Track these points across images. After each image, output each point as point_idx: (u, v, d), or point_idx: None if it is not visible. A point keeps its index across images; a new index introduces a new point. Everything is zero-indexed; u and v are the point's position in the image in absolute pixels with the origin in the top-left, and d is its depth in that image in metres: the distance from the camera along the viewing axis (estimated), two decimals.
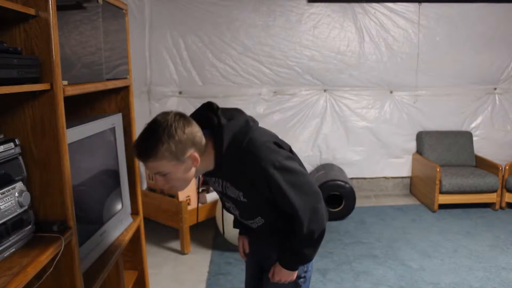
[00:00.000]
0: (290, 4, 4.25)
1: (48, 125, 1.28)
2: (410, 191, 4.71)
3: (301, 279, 1.54)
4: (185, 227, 3.20)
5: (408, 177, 4.69)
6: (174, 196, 3.27)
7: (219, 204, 3.26)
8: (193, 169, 1.30)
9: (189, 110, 4.46)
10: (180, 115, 1.26)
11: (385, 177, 4.68)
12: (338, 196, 3.90)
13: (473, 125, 4.60)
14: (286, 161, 1.31)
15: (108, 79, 1.73)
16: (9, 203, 1.18)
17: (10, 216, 1.19)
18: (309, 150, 4.51)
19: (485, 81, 4.52)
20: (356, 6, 4.27)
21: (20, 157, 1.27)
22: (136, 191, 2.12)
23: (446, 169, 4.19)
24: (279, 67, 4.34)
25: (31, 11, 1.20)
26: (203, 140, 1.29)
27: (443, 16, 4.34)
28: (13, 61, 1.13)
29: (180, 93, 4.31)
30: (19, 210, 1.22)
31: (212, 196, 3.45)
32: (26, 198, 1.24)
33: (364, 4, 4.28)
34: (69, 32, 1.42)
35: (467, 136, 4.51)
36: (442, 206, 4.10)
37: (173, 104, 4.31)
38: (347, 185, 3.88)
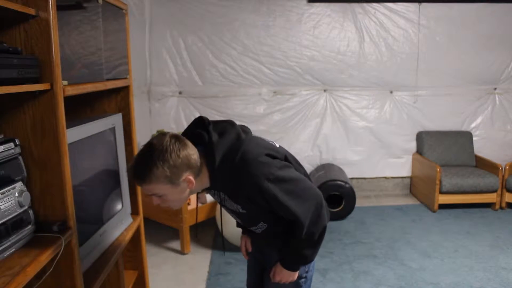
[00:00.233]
0: (290, 4, 4.25)
1: (48, 125, 1.28)
2: (410, 191, 4.71)
3: (302, 279, 1.54)
4: (185, 227, 3.21)
5: (408, 177, 4.70)
6: None
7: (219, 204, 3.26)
8: (188, 190, 1.31)
9: (189, 110, 4.46)
10: (176, 138, 1.26)
11: (385, 177, 4.68)
12: (338, 196, 3.90)
13: (473, 125, 4.60)
14: (280, 171, 1.30)
15: (108, 79, 1.73)
16: (9, 203, 1.18)
17: (10, 216, 1.19)
18: (309, 150, 4.51)
19: (485, 81, 4.52)
20: (356, 6, 4.27)
21: (20, 157, 1.27)
22: (136, 191, 2.12)
23: (446, 169, 4.19)
24: (279, 67, 4.34)
25: (31, 11, 1.20)
26: (199, 162, 1.28)
27: (443, 16, 4.34)
28: (13, 61, 1.13)
29: (180, 93, 4.31)
30: (19, 210, 1.22)
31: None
32: (26, 198, 1.24)
33: (364, 4, 4.28)
34: (69, 32, 1.42)
35: (467, 136, 4.51)
36: (442, 206, 4.10)
37: (173, 104, 4.32)
38: (347, 185, 3.88)
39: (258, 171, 1.26)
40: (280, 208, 1.32)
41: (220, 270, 3.00)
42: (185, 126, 4.56)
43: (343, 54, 4.37)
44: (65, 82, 1.32)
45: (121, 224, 1.96)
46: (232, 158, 1.28)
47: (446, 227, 3.71)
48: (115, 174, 1.92)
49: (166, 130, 4.20)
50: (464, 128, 4.60)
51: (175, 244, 3.41)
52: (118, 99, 2.01)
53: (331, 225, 3.76)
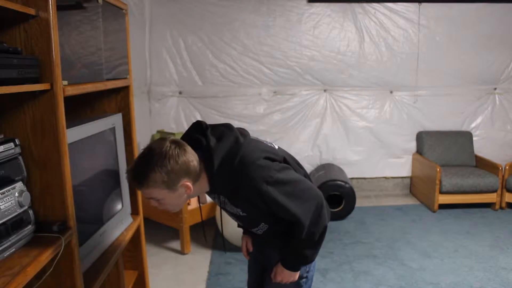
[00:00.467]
0: (290, 4, 4.25)
1: (48, 125, 1.28)
2: (410, 191, 4.71)
3: (303, 279, 1.54)
4: (185, 227, 3.21)
5: (408, 177, 4.70)
6: None
7: None
8: (186, 195, 1.31)
9: (189, 110, 4.47)
10: (176, 144, 1.26)
11: (385, 177, 4.68)
12: (338, 196, 3.90)
13: (473, 125, 4.60)
14: (279, 173, 1.30)
15: (108, 79, 1.73)
16: (9, 203, 1.18)
17: (10, 216, 1.19)
18: (309, 150, 4.51)
19: (485, 81, 4.52)
20: (356, 6, 4.27)
21: (20, 157, 1.27)
22: (136, 191, 2.12)
23: (446, 169, 4.19)
24: (279, 67, 4.34)
25: (31, 11, 1.20)
26: (198, 168, 1.29)
27: (443, 16, 4.34)
28: (13, 61, 1.13)
29: (180, 93, 4.31)
30: (19, 210, 1.22)
31: None
32: (26, 198, 1.24)
33: (364, 4, 4.28)
34: (69, 32, 1.42)
35: (467, 136, 4.51)
36: (442, 206, 4.10)
37: (173, 104, 4.32)
38: (347, 185, 3.88)
39: (257, 175, 1.27)
40: (280, 210, 1.33)
41: (220, 270, 3.00)
42: (185, 126, 4.58)
43: (343, 54, 4.37)
44: (65, 82, 1.32)
45: (121, 224, 1.96)
46: (230, 162, 1.28)
47: (446, 227, 3.71)
48: (115, 174, 1.92)
49: (166, 130, 4.21)
50: (464, 128, 4.60)
51: (175, 244, 3.41)
52: (118, 99, 2.01)
53: (331, 225, 3.76)
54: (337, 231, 3.66)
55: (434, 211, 4.07)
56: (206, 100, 4.34)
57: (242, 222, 1.53)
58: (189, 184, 1.27)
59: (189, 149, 1.28)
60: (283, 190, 1.29)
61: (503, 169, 4.05)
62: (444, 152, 4.44)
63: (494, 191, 4.06)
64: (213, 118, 4.31)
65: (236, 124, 4.34)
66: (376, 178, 4.67)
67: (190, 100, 4.33)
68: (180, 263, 3.14)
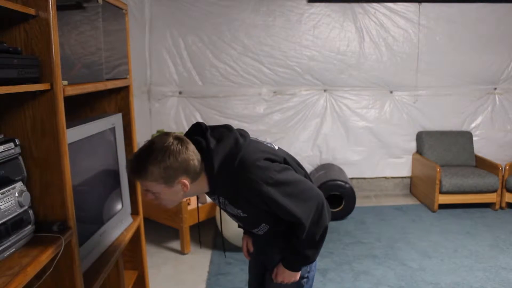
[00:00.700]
0: (290, 4, 4.25)
1: (48, 125, 1.28)
2: (410, 191, 4.71)
3: (304, 279, 1.54)
4: (185, 227, 3.21)
5: (408, 177, 4.70)
6: None
7: None
8: (182, 192, 1.31)
9: (189, 110, 4.46)
10: (179, 141, 1.26)
11: (385, 177, 4.68)
12: (338, 196, 3.90)
13: (473, 125, 4.60)
14: (279, 174, 1.30)
15: (108, 79, 1.73)
16: (9, 203, 1.18)
17: (10, 216, 1.19)
18: (309, 150, 4.51)
19: (485, 81, 4.52)
20: (356, 6, 4.27)
21: (20, 157, 1.27)
22: (136, 191, 2.12)
23: (446, 169, 4.19)
24: (279, 67, 4.34)
25: (31, 11, 1.20)
26: (198, 168, 1.28)
27: (443, 16, 4.34)
28: (13, 61, 1.13)
29: (180, 93, 4.31)
30: (19, 210, 1.22)
31: None
32: (26, 198, 1.24)
33: (364, 4, 4.28)
34: (69, 32, 1.42)
35: (467, 136, 4.51)
36: (442, 206, 4.10)
37: (173, 104, 4.32)
38: (347, 185, 3.88)
39: (257, 176, 1.27)
40: (281, 211, 1.33)
41: (220, 270, 3.00)
42: (185, 126, 4.58)
43: (343, 54, 4.37)
44: (65, 82, 1.32)
45: (121, 224, 1.96)
46: (231, 164, 1.28)
47: (446, 227, 3.71)
48: (115, 174, 1.92)
49: (166, 130, 4.20)
50: (464, 128, 4.60)
51: (175, 244, 3.41)
52: (118, 99, 2.01)
53: (331, 225, 3.74)
54: (337, 231, 3.66)
55: (434, 211, 4.07)
56: (206, 100, 4.34)
57: (243, 223, 1.53)
58: (186, 182, 1.27)
59: (191, 147, 1.28)
60: (284, 191, 1.29)
61: (503, 169, 4.05)
62: (444, 152, 4.44)
63: (494, 191, 4.06)
64: (213, 118, 4.31)
65: (236, 124, 4.35)
66: (376, 178, 4.67)
67: (190, 100, 4.33)
68: (180, 263, 3.14)
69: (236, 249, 3.17)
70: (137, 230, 2.13)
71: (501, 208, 4.13)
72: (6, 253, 1.18)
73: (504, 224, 3.78)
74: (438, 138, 4.49)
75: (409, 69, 4.43)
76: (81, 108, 1.97)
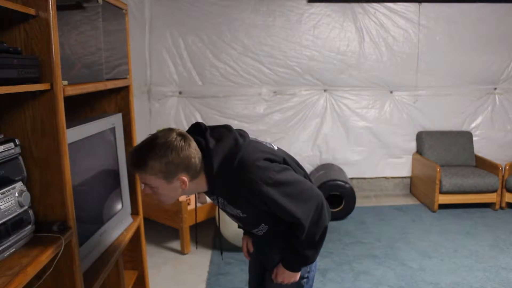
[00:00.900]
0: (290, 4, 4.25)
1: (48, 125, 1.28)
2: (410, 191, 4.71)
3: (304, 280, 1.54)
4: (185, 227, 3.21)
5: (408, 177, 4.70)
6: None
7: None
8: (181, 190, 1.31)
9: (189, 110, 4.45)
10: (182, 137, 1.26)
11: (385, 177, 4.68)
12: (338, 196, 3.90)
13: (473, 125, 4.60)
14: (279, 174, 1.30)
15: (108, 79, 1.73)
16: (9, 203, 1.18)
17: (10, 216, 1.19)
18: (309, 150, 4.51)
19: (485, 81, 4.52)
20: (356, 6, 4.27)
21: (20, 157, 1.27)
22: (136, 191, 2.12)
23: (446, 169, 4.19)
24: (279, 67, 4.34)
25: (31, 11, 1.20)
26: (198, 166, 1.28)
27: (443, 16, 4.34)
28: (13, 61, 1.13)
29: (180, 93, 4.31)
30: (19, 210, 1.22)
31: None
32: (26, 198, 1.24)
33: (364, 4, 4.28)
34: (69, 32, 1.42)
35: (467, 136, 4.51)
36: (442, 206, 4.10)
37: (173, 104, 4.31)
38: (347, 185, 3.88)
39: (257, 176, 1.26)
40: (280, 211, 1.32)
41: (220, 270, 3.00)
42: (185, 126, 4.58)
43: (343, 54, 4.37)
44: (65, 82, 1.32)
45: (121, 224, 1.96)
46: (230, 164, 1.28)
47: (446, 227, 3.71)
48: (115, 174, 1.92)
49: None
50: (464, 128, 4.60)
51: (175, 244, 3.41)
52: (118, 99, 2.01)
53: (331, 225, 3.75)
54: (337, 231, 3.66)
55: (434, 211, 4.07)
56: (206, 100, 4.34)
57: (242, 223, 1.53)
58: (186, 179, 1.27)
59: (194, 144, 1.28)
60: (283, 191, 1.29)
61: (503, 169, 4.05)
62: (444, 152, 4.44)
63: (494, 191, 4.05)
64: (213, 118, 4.31)
65: (236, 124, 4.35)
66: (376, 178, 4.67)
67: (190, 100, 4.33)
68: (180, 263, 3.14)
69: (236, 249, 3.17)
70: (137, 230, 2.13)
71: (501, 208, 4.13)
72: (6, 253, 1.18)
73: (504, 224, 3.78)
74: (438, 138, 4.49)
75: (409, 69, 4.43)
76: (81, 108, 1.97)
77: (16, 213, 1.21)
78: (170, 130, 1.28)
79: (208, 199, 3.43)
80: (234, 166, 1.28)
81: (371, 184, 4.69)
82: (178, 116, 4.33)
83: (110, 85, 1.77)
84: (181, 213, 3.16)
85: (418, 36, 4.36)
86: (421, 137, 4.52)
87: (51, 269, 1.28)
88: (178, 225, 3.23)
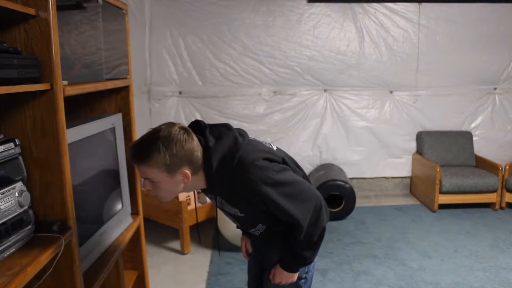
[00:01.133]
0: (290, 4, 4.25)
1: (48, 125, 1.28)
2: (410, 191, 4.71)
3: (302, 280, 1.54)
4: (185, 227, 3.21)
5: (408, 177, 4.70)
6: None
7: None
8: (183, 184, 1.30)
9: (189, 110, 4.46)
10: (185, 131, 1.25)
11: (385, 177, 4.68)
12: (338, 196, 3.90)
13: (473, 125, 4.60)
14: (278, 174, 1.29)
15: (108, 79, 1.73)
16: (9, 203, 1.18)
17: (10, 216, 1.19)
18: (309, 150, 4.51)
19: (485, 81, 4.52)
20: (356, 6, 4.27)
21: (20, 157, 1.27)
22: (136, 191, 2.12)
23: (446, 169, 4.19)
24: (279, 67, 4.34)
25: (31, 11, 1.20)
26: (200, 161, 1.28)
27: (443, 16, 4.34)
28: (13, 61, 1.13)
29: (180, 93, 4.31)
30: (19, 210, 1.22)
31: None
32: (26, 198, 1.24)
33: (364, 4, 4.28)
34: (69, 32, 1.42)
35: (467, 136, 4.51)
36: (442, 206, 4.10)
37: (173, 104, 4.31)
38: (347, 185, 3.88)
39: (256, 176, 1.26)
40: (279, 211, 1.32)
41: (220, 270, 3.00)
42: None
43: (343, 54, 4.37)
44: (65, 82, 1.32)
45: (121, 224, 1.96)
46: (229, 163, 1.28)
47: (446, 227, 3.71)
48: (115, 174, 1.92)
49: None
50: (464, 128, 4.60)
51: (175, 244, 3.41)
52: (118, 99, 2.01)
53: (331, 225, 3.76)
54: (337, 231, 3.66)
55: (434, 211, 4.07)
56: (206, 100, 4.34)
57: (240, 223, 1.52)
58: (189, 173, 1.27)
59: (196, 139, 1.28)
60: (282, 191, 1.29)
61: (503, 169, 4.05)
62: (444, 152, 4.44)
63: (494, 191, 4.05)
64: (213, 118, 4.31)
65: (236, 124, 4.36)
66: (376, 178, 4.67)
67: (190, 100, 4.33)
68: (180, 263, 3.14)
69: (235, 249, 3.17)
70: (137, 230, 2.13)
71: (501, 208, 4.13)
72: (6, 253, 1.18)
73: (504, 224, 3.78)
74: (438, 138, 4.49)
75: (409, 69, 4.43)
76: (81, 108, 1.97)
77: (16, 213, 1.21)
78: (172, 124, 1.27)
79: (208, 199, 3.43)
80: (234, 165, 1.27)
81: (371, 184, 4.69)
82: (178, 116, 4.33)
83: (110, 85, 1.77)
84: (181, 213, 3.16)
85: (418, 36, 4.36)
86: (421, 137, 4.52)
87: (51, 269, 1.28)
88: (178, 225, 3.23)
